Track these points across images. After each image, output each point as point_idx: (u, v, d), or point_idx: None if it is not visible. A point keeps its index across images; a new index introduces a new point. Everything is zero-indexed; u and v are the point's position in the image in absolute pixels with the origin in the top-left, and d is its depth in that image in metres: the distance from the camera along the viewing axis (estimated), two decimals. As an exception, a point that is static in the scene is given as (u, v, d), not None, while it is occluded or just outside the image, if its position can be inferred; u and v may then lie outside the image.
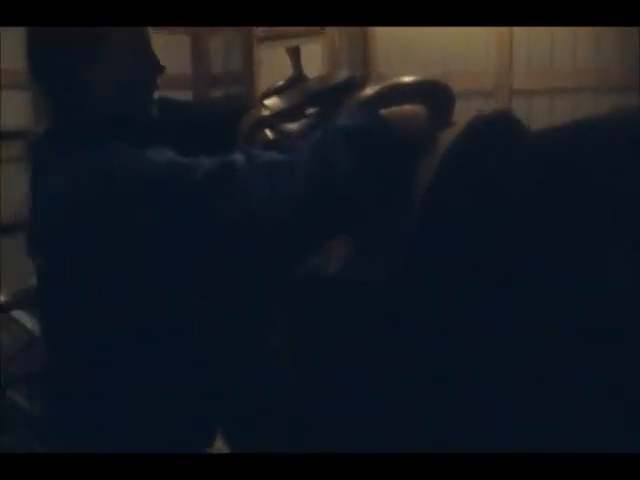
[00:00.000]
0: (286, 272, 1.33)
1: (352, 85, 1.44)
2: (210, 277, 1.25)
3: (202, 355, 1.36)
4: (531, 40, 3.70)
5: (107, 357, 1.26)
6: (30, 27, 1.26)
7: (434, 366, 1.15)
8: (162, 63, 1.32)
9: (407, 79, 1.35)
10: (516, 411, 1.08)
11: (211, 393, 1.41)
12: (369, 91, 1.34)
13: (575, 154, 1.10)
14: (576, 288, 1.03)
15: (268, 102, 1.49)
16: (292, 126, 1.42)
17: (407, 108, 1.22)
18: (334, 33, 4.22)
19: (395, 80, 1.35)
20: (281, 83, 1.53)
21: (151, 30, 1.32)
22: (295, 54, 1.55)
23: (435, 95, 1.36)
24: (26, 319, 2.86)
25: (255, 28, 4.47)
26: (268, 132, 1.43)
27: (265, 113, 1.47)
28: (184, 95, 4.44)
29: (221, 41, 4.84)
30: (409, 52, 3.94)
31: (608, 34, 3.45)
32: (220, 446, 1.49)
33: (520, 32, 3.70)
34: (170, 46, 4.08)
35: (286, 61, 1.56)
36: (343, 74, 1.52)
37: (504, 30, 3.72)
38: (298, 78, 1.54)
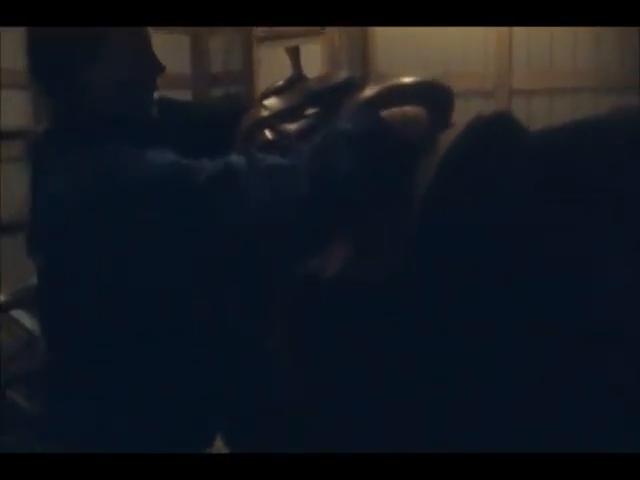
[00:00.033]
0: (287, 273, 1.33)
1: (352, 85, 1.44)
2: (210, 277, 1.25)
3: (203, 355, 1.36)
4: (531, 40, 3.70)
5: (107, 357, 1.26)
6: (30, 27, 1.26)
7: (434, 366, 1.15)
8: (162, 63, 1.32)
9: (407, 80, 1.35)
10: (516, 411, 1.08)
11: (211, 393, 1.41)
12: (369, 92, 1.34)
13: (575, 154, 1.10)
14: (576, 288, 1.03)
15: (267, 102, 1.49)
16: (291, 126, 1.42)
17: (407, 109, 1.22)
18: (334, 33, 4.22)
19: (395, 81, 1.35)
20: (281, 83, 1.53)
21: (151, 30, 1.31)
22: (295, 54, 1.55)
23: (435, 96, 1.36)
24: (26, 319, 2.85)
25: (255, 28, 4.47)
26: (268, 132, 1.43)
27: (265, 113, 1.47)
28: (184, 95, 4.44)
29: (221, 41, 4.84)
30: (409, 52, 3.94)
31: (608, 34, 3.45)
32: (220, 446, 1.49)
33: (520, 32, 3.70)
34: (170, 46, 4.07)
35: (286, 61, 1.56)
36: (343, 74, 1.52)
37: (504, 30, 3.72)
38: (298, 78, 1.54)
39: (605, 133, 1.11)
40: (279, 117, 1.45)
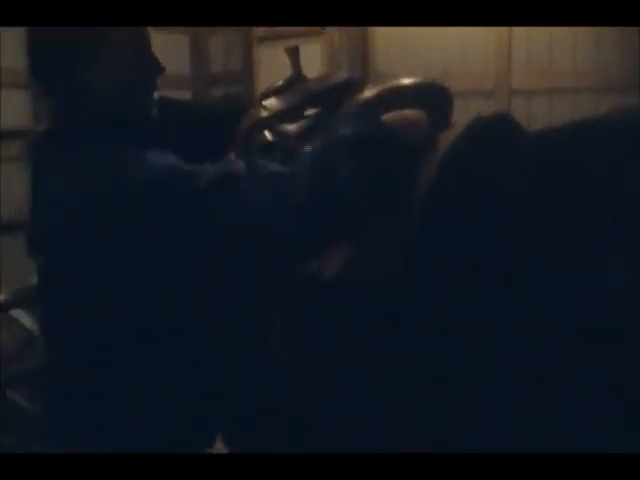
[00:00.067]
0: (288, 274, 1.33)
1: (351, 85, 1.44)
2: (209, 277, 1.25)
3: (203, 355, 1.36)
4: (531, 40, 3.70)
5: (107, 357, 1.26)
6: (30, 27, 1.26)
7: (434, 367, 1.15)
8: (162, 63, 1.32)
9: (406, 81, 1.35)
10: (516, 411, 1.08)
11: (211, 393, 1.41)
12: (368, 92, 1.34)
13: (575, 154, 1.10)
14: (576, 288, 1.03)
15: (267, 102, 1.49)
16: (291, 126, 1.42)
17: (406, 113, 1.22)
18: (334, 33, 4.22)
19: (394, 82, 1.35)
20: (280, 83, 1.53)
21: (151, 30, 1.31)
22: (294, 54, 1.55)
23: (434, 96, 1.36)
24: (26, 318, 2.85)
25: (255, 28, 4.47)
26: (267, 132, 1.43)
27: (264, 113, 1.47)
28: (184, 95, 4.44)
29: (221, 41, 4.84)
30: (409, 52, 3.94)
31: (608, 34, 3.45)
32: (220, 446, 1.49)
33: (520, 32, 3.70)
34: (170, 46, 4.07)
35: (285, 61, 1.56)
36: (342, 74, 1.52)
37: (503, 30, 3.72)
38: (297, 78, 1.54)
39: (605, 133, 1.11)
40: (279, 117, 1.45)
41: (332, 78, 1.57)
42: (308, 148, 1.21)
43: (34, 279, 1.40)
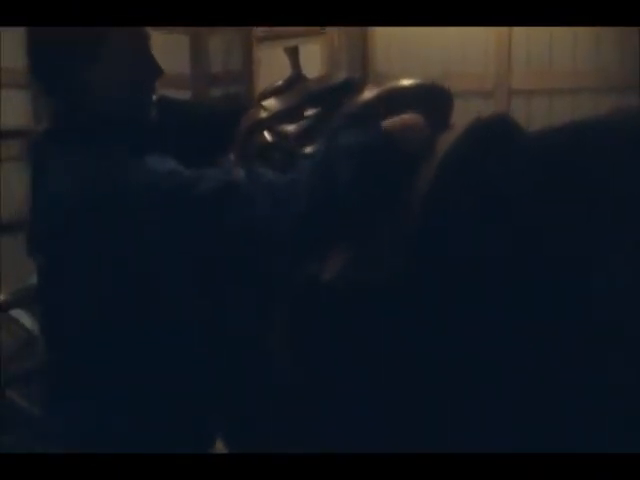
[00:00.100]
0: (288, 277, 1.33)
1: (351, 86, 1.44)
2: (209, 277, 1.25)
3: (203, 356, 1.37)
4: (530, 40, 3.70)
5: (107, 357, 1.26)
6: (30, 27, 1.26)
7: (434, 367, 1.15)
8: (161, 63, 1.31)
9: (406, 81, 1.35)
10: (516, 411, 1.08)
11: (211, 393, 1.41)
12: (368, 93, 1.34)
13: (575, 155, 1.10)
14: (576, 289, 1.03)
15: (266, 102, 1.49)
16: (290, 127, 1.42)
17: (405, 118, 1.22)
18: (333, 33, 4.21)
19: (394, 82, 1.35)
20: (280, 83, 1.53)
21: (151, 30, 1.31)
22: (294, 54, 1.55)
23: (434, 97, 1.36)
24: (25, 318, 2.85)
25: (254, 28, 4.46)
26: (266, 133, 1.43)
27: (263, 113, 1.47)
28: (183, 95, 4.43)
29: (220, 41, 4.84)
30: (408, 52, 3.94)
31: (608, 34, 3.44)
32: (220, 446, 1.49)
33: (519, 32, 3.70)
34: (170, 46, 4.07)
35: (285, 61, 1.56)
36: (342, 74, 1.52)
37: (503, 30, 3.72)
38: (297, 78, 1.54)
39: (605, 133, 1.11)
40: (278, 117, 1.45)
41: (332, 78, 1.57)
42: (308, 151, 1.22)
43: (34, 279, 1.40)
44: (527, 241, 1.08)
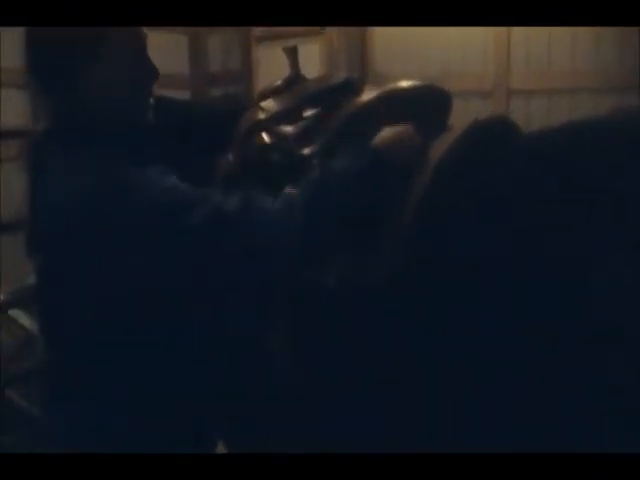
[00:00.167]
0: (288, 281, 1.33)
1: (350, 86, 1.44)
2: (208, 277, 1.25)
3: (203, 356, 1.37)
4: (530, 40, 3.70)
5: (106, 357, 1.26)
6: (30, 27, 1.26)
7: (434, 368, 1.15)
8: (161, 63, 1.31)
9: (405, 83, 1.35)
10: (516, 411, 1.08)
11: (211, 394, 1.41)
12: (367, 94, 1.34)
13: (574, 155, 1.10)
14: (576, 289, 1.03)
15: (265, 103, 1.49)
16: (289, 127, 1.42)
17: (399, 131, 1.24)
18: (332, 33, 4.21)
19: (393, 83, 1.36)
20: (279, 83, 1.53)
21: (150, 30, 1.31)
22: (293, 54, 1.55)
23: (433, 98, 1.36)
24: (25, 318, 2.85)
25: (253, 28, 4.46)
26: (265, 133, 1.43)
27: (262, 114, 1.47)
28: (182, 95, 4.43)
29: (219, 41, 4.83)
30: (408, 52, 3.94)
31: (608, 34, 3.44)
32: (220, 446, 1.49)
33: (519, 32, 3.70)
34: (169, 46, 4.07)
35: (284, 61, 1.56)
36: (341, 75, 1.52)
37: (503, 30, 3.72)
38: (296, 78, 1.54)
39: (604, 133, 1.11)
40: (277, 118, 1.45)
41: (331, 78, 1.57)
42: (307, 152, 1.22)
43: (33, 279, 1.40)
44: (527, 241, 1.08)
